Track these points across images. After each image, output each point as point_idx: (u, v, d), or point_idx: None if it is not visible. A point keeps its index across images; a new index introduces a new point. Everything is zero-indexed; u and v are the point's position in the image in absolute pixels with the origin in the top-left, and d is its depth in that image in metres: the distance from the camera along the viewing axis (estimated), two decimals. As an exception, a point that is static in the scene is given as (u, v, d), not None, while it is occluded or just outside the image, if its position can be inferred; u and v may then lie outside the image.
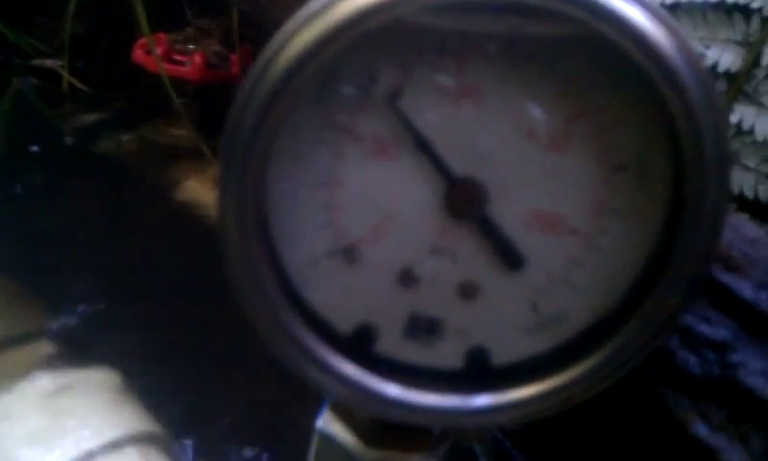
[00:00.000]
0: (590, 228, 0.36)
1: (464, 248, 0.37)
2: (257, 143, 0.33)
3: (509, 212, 0.36)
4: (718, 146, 0.33)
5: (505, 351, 0.38)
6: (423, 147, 0.35)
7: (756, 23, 0.66)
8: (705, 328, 0.38)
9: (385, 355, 0.38)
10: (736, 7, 0.66)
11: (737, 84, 0.66)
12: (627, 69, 0.33)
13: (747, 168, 0.65)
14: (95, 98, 1.35)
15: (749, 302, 0.38)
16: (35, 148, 1.20)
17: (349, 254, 0.37)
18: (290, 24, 0.33)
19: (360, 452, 0.41)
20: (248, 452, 0.66)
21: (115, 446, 0.58)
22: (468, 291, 0.38)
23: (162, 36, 1.22)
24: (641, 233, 0.36)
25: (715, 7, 0.67)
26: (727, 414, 0.38)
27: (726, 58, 0.66)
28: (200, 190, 1.10)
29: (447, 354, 0.38)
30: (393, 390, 0.37)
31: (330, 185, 0.36)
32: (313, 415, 0.43)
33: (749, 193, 0.64)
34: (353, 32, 0.32)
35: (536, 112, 0.35)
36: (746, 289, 0.38)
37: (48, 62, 1.44)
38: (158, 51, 1.17)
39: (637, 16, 0.32)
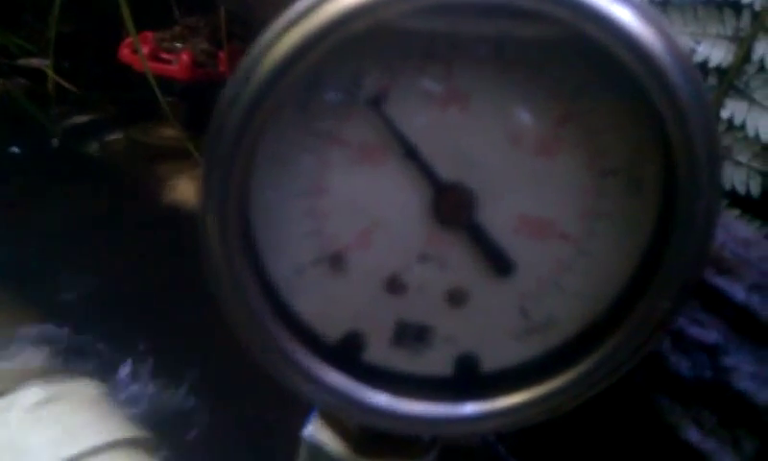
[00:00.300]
0: (580, 232, 0.36)
1: (452, 254, 0.36)
2: (241, 148, 0.33)
3: (498, 218, 0.36)
4: (709, 148, 0.33)
5: (495, 357, 0.38)
6: (410, 153, 0.35)
7: (746, 18, 0.65)
8: (696, 331, 0.38)
9: (373, 363, 0.38)
10: (727, 2, 0.66)
11: (728, 80, 0.66)
12: (616, 72, 0.32)
13: (739, 164, 0.65)
14: (82, 98, 1.33)
15: (741, 304, 0.38)
16: (20, 149, 1.18)
17: (336, 261, 0.37)
18: (274, 27, 0.32)
19: (349, 461, 0.41)
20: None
21: (100, 451, 0.57)
22: (456, 297, 0.37)
23: (149, 34, 1.21)
24: (632, 237, 0.36)
25: (706, 2, 0.67)
26: (719, 418, 0.37)
27: (717, 53, 0.66)
28: (188, 190, 1.09)
29: (436, 361, 0.38)
30: (381, 399, 0.37)
31: (316, 193, 0.36)
32: (300, 423, 0.43)
33: (741, 189, 0.64)
34: (338, 35, 0.31)
35: (524, 117, 0.35)
36: (738, 292, 0.38)
37: (34, 62, 1.43)
38: (145, 50, 1.16)
39: (626, 17, 0.31)
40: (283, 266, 0.37)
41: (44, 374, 0.67)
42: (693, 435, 0.37)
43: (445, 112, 0.35)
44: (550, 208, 0.36)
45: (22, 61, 1.44)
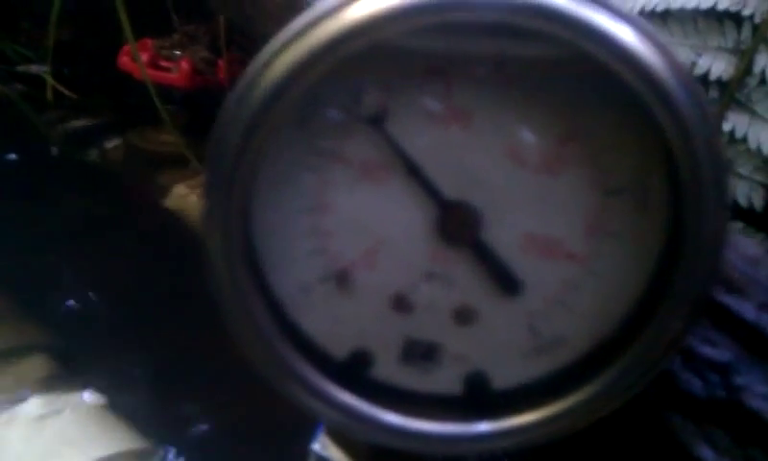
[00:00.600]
0: (587, 251, 0.36)
1: (458, 272, 0.36)
2: (242, 167, 0.33)
3: (503, 236, 0.36)
4: (715, 165, 0.32)
5: (504, 375, 0.38)
6: (413, 171, 0.35)
7: (747, 30, 0.65)
8: (708, 351, 0.38)
9: (381, 382, 0.38)
10: (727, 14, 0.66)
11: (729, 93, 0.66)
12: (620, 91, 0.32)
13: (741, 176, 0.65)
14: (81, 105, 1.33)
15: (751, 323, 0.37)
16: (18, 155, 1.18)
17: (342, 279, 0.36)
18: (272, 44, 0.32)
19: (357, 478, 0.41)
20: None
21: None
22: (464, 316, 0.37)
23: (148, 41, 1.20)
24: (640, 256, 0.36)
25: (706, 14, 0.67)
26: (732, 437, 0.37)
27: (717, 66, 0.66)
28: (188, 197, 1.09)
29: (445, 380, 0.38)
30: (389, 417, 0.36)
31: (319, 211, 0.36)
32: (310, 436, 0.43)
33: (743, 201, 0.64)
34: (338, 53, 0.31)
35: (527, 135, 0.34)
36: (748, 311, 0.38)
37: (33, 68, 1.42)
38: (144, 57, 1.15)
39: (628, 37, 0.31)
40: (289, 284, 0.36)
41: (45, 385, 0.67)
42: (707, 454, 0.37)
43: (448, 130, 0.35)
44: (556, 227, 0.36)
45: (21, 68, 1.44)
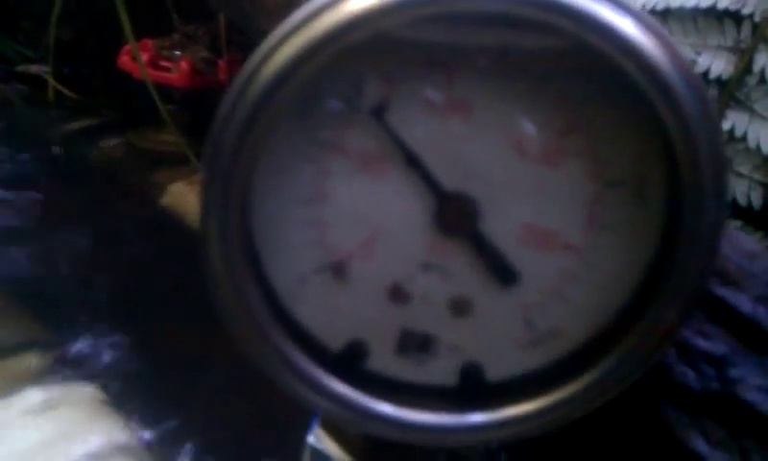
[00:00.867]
0: (585, 243, 0.36)
1: (455, 264, 0.36)
2: (240, 159, 0.33)
3: (501, 228, 0.36)
4: (714, 159, 0.32)
5: (499, 367, 0.37)
6: (412, 162, 0.35)
7: (746, 29, 0.65)
8: (703, 343, 0.38)
9: (377, 372, 0.38)
10: (727, 13, 0.66)
11: (729, 91, 0.66)
12: (620, 83, 0.32)
13: (740, 175, 0.65)
14: (82, 104, 1.33)
15: (747, 316, 0.37)
16: (19, 155, 1.18)
17: (339, 270, 0.36)
18: (272, 37, 0.32)
19: (352, 470, 0.40)
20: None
21: (96, 456, 0.57)
22: (460, 307, 0.37)
23: (149, 41, 1.21)
24: (637, 248, 0.35)
25: (706, 13, 0.67)
26: (726, 430, 0.37)
27: (717, 64, 0.66)
28: (187, 196, 1.09)
29: (441, 371, 0.38)
30: (384, 408, 0.36)
31: (318, 202, 0.35)
32: (304, 429, 0.42)
33: (742, 200, 0.64)
34: (336, 46, 0.31)
35: (527, 126, 0.34)
36: (744, 303, 0.38)
37: (34, 68, 1.43)
38: (145, 57, 1.16)
39: (630, 29, 0.31)
40: (285, 275, 0.36)
41: (43, 377, 0.67)
42: (701, 446, 0.37)
43: (448, 122, 0.35)
44: (554, 219, 0.35)
45: (21, 68, 1.44)
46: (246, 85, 0.32)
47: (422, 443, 0.38)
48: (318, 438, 0.41)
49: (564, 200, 0.35)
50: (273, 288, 0.36)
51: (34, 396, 0.62)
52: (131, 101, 1.29)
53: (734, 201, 0.64)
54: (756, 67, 0.65)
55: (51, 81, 1.31)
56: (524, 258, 0.36)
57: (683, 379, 0.38)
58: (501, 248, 0.36)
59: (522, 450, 0.39)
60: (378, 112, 0.34)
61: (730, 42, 0.66)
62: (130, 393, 0.68)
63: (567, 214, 0.35)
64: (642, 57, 0.31)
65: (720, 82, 0.66)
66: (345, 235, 0.36)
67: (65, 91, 1.34)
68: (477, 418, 0.36)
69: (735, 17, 0.66)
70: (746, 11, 0.65)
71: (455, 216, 0.36)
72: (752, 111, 0.65)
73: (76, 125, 1.31)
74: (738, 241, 0.40)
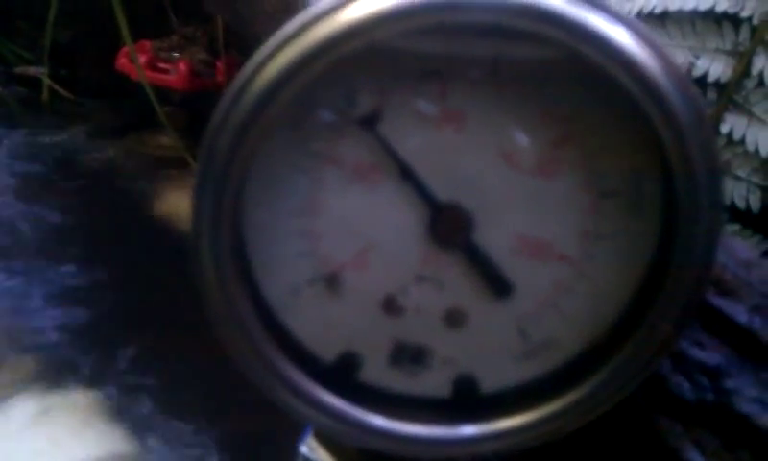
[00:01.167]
0: (580, 254, 0.35)
1: (449, 275, 0.36)
2: (233, 168, 0.32)
3: (495, 239, 0.35)
4: (709, 168, 0.32)
5: (493, 378, 0.37)
6: (405, 173, 0.34)
7: (745, 32, 0.65)
8: (698, 353, 0.37)
9: (370, 384, 0.37)
10: (726, 16, 0.66)
11: (727, 94, 0.66)
12: (614, 93, 0.32)
13: (738, 178, 0.65)
14: (80, 107, 1.33)
15: (743, 326, 0.37)
16: (15, 158, 1.18)
17: (332, 282, 0.36)
18: (266, 46, 0.32)
19: (346, 481, 0.40)
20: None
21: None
22: (454, 318, 0.36)
23: (147, 43, 1.21)
24: (633, 259, 0.35)
25: (704, 16, 0.67)
26: (721, 441, 0.37)
27: (715, 67, 0.66)
28: (186, 201, 1.08)
29: (434, 383, 0.37)
30: (377, 420, 0.36)
31: (310, 212, 0.35)
32: (297, 439, 0.42)
33: (740, 203, 0.64)
34: (331, 56, 0.31)
35: (521, 137, 0.34)
36: (740, 313, 0.37)
37: (31, 70, 1.42)
38: (143, 59, 1.16)
39: (624, 39, 0.31)
40: (278, 286, 0.36)
41: (39, 384, 0.67)
42: (695, 457, 0.37)
43: (441, 132, 0.34)
44: (549, 230, 0.35)
45: (19, 70, 1.44)
46: (240, 93, 0.32)
47: (415, 455, 0.38)
48: (311, 448, 0.41)
49: (558, 210, 0.35)
50: (265, 300, 0.36)
51: (29, 403, 0.62)
52: (129, 103, 1.29)
53: (733, 204, 0.63)
54: (755, 70, 0.65)
55: (47, 82, 1.30)
56: (518, 269, 0.36)
57: (677, 390, 0.37)
58: (495, 259, 0.36)
59: (514, 455, 0.39)
60: (371, 123, 0.34)
61: (728, 45, 0.66)
62: (127, 400, 0.68)
63: (562, 225, 0.35)
64: (636, 67, 0.31)
65: (718, 85, 0.66)
66: (338, 247, 0.36)
67: (63, 93, 1.34)
68: (471, 430, 0.36)
69: (734, 20, 0.65)
70: (745, 13, 0.65)
71: (449, 227, 0.35)
72: (750, 114, 0.65)
73: (73, 128, 1.31)
74: (734, 249, 0.39)
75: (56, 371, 0.70)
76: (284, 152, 0.34)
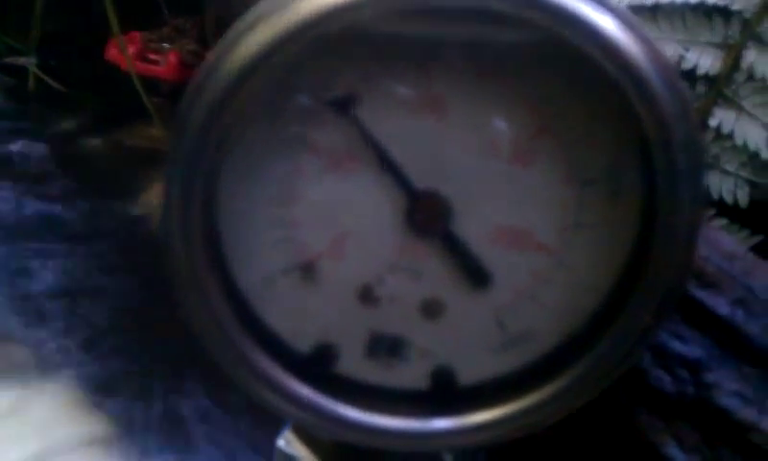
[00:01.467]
0: (559, 243, 0.35)
1: (427, 265, 0.35)
2: (205, 149, 0.32)
3: (473, 228, 0.35)
4: (692, 157, 0.32)
5: (471, 370, 0.37)
6: (383, 160, 0.34)
7: (735, 25, 0.65)
8: (679, 346, 0.37)
9: (346, 376, 0.37)
10: (716, 9, 0.65)
11: (717, 88, 0.65)
12: (597, 80, 0.31)
13: (726, 172, 0.64)
14: (69, 97, 1.32)
15: (724, 319, 0.37)
16: (4, 149, 1.17)
17: (307, 271, 0.36)
18: (241, 22, 0.31)
19: (323, 475, 0.40)
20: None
21: (72, 449, 0.57)
22: (431, 309, 0.36)
23: (137, 34, 1.20)
24: (612, 249, 0.35)
25: (695, 9, 0.66)
26: (701, 435, 0.36)
27: (705, 61, 0.65)
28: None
29: (411, 374, 0.37)
30: (352, 413, 0.36)
31: (286, 201, 0.35)
32: (275, 433, 0.42)
33: (728, 198, 0.63)
34: (307, 36, 0.30)
35: (501, 125, 0.34)
36: (721, 306, 0.37)
37: (21, 60, 1.41)
38: (132, 50, 1.14)
39: (607, 24, 0.30)
40: (252, 276, 0.35)
41: (20, 374, 0.66)
42: (674, 452, 0.36)
43: (420, 119, 0.34)
44: (528, 219, 0.35)
45: (9, 60, 1.42)
46: (212, 71, 0.31)
47: (392, 448, 0.37)
48: (288, 442, 0.41)
49: (537, 199, 0.35)
50: (238, 290, 0.35)
51: (9, 392, 0.61)
52: (119, 94, 1.28)
53: (721, 198, 0.63)
54: (745, 64, 0.64)
55: (34, 72, 1.29)
56: (497, 259, 0.35)
57: (657, 383, 0.37)
58: (473, 248, 0.35)
59: (496, 452, 0.38)
60: (348, 108, 0.34)
61: (718, 38, 0.65)
62: (107, 389, 0.67)
63: (541, 213, 0.35)
64: (619, 53, 0.30)
65: (708, 78, 0.65)
66: (313, 235, 0.35)
67: (52, 83, 1.32)
68: (448, 422, 0.36)
69: (724, 13, 0.65)
70: (735, 6, 0.64)
71: (426, 216, 0.35)
72: (739, 108, 0.64)
73: (63, 119, 1.29)
74: (718, 241, 0.39)
75: (42, 360, 0.70)
76: (260, 137, 0.34)
